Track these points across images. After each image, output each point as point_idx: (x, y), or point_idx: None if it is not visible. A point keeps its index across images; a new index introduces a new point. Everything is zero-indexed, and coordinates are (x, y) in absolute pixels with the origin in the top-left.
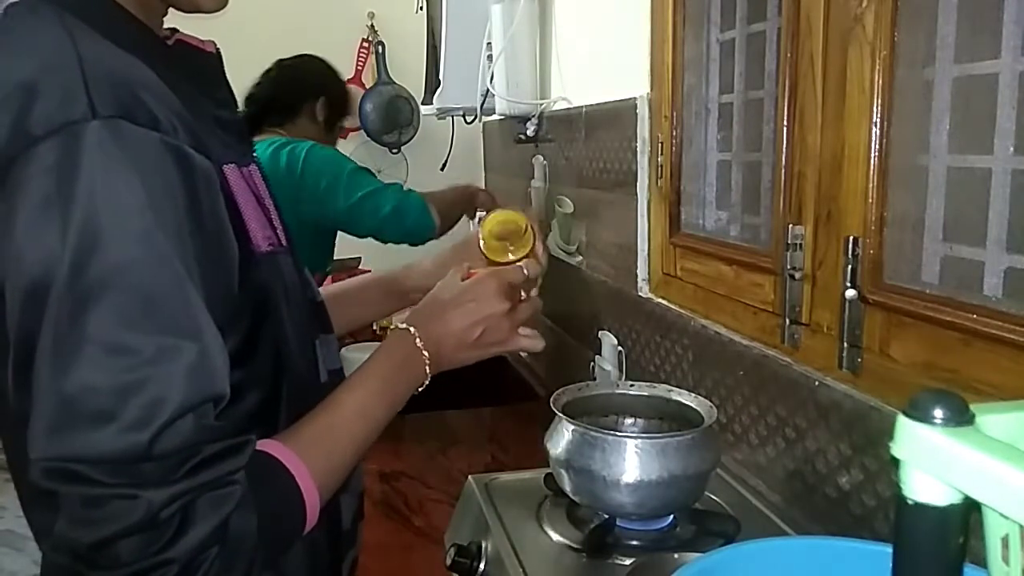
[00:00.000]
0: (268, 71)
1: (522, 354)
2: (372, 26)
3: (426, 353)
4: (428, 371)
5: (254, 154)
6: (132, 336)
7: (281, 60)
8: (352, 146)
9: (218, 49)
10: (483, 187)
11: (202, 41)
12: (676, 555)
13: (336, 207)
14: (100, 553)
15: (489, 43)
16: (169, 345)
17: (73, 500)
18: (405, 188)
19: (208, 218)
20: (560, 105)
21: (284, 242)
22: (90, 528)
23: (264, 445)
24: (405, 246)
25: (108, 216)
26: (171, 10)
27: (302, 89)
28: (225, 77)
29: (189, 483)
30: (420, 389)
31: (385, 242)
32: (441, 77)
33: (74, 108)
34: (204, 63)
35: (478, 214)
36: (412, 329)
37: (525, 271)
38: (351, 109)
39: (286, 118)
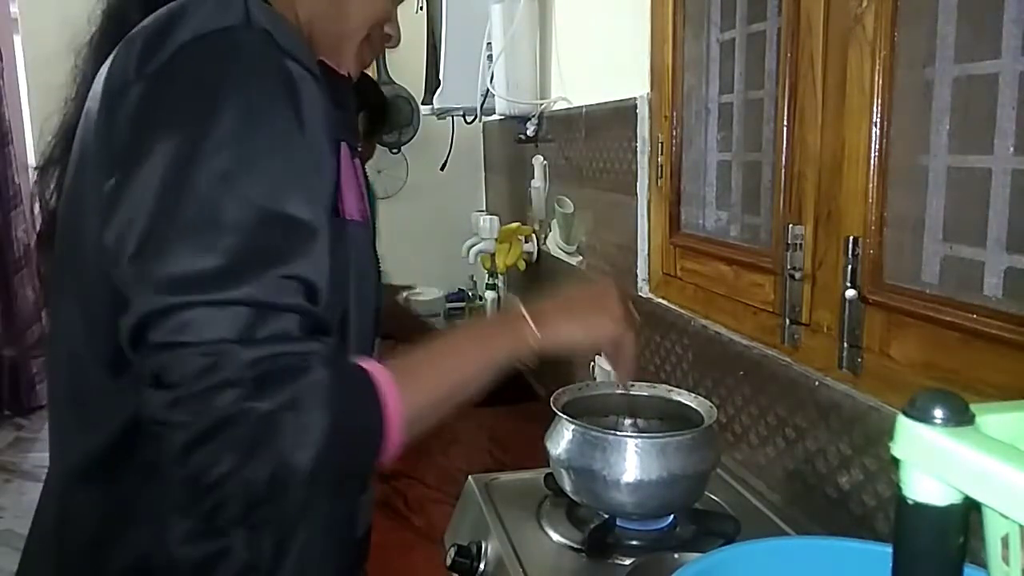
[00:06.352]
0: None
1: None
2: None
3: (528, 316)
4: (530, 332)
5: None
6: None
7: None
8: None
9: (349, 75)
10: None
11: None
12: (676, 555)
13: None
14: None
15: (489, 43)
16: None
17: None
18: None
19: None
20: (560, 105)
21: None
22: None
23: (356, 360)
24: None
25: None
26: None
27: None
28: (352, 101)
29: (271, 348)
30: (526, 363)
31: None
32: (441, 77)
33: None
34: (338, 81)
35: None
36: (518, 302)
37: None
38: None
39: None
